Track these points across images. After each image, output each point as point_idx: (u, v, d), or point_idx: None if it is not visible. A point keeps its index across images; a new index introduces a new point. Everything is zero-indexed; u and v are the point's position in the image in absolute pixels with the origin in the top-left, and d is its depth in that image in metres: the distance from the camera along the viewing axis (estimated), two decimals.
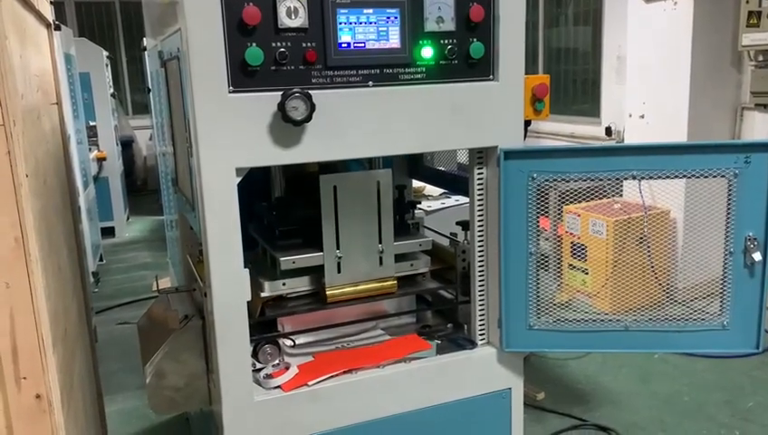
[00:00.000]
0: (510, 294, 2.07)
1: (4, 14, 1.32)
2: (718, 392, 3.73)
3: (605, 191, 2.16)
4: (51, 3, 2.88)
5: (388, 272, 2.22)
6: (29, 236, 1.34)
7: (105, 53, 7.76)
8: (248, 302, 1.85)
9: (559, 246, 4.62)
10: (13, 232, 1.31)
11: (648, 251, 2.33)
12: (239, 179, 1.77)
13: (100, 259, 6.69)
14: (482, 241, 2.13)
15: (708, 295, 2.17)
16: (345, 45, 1.81)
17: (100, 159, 7.47)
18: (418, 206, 2.70)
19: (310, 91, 1.74)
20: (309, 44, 1.78)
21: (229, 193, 1.76)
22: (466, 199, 2.20)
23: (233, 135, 1.73)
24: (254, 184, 1.99)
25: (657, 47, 4.84)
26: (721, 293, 1.99)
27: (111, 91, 8.00)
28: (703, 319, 2.03)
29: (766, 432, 3.35)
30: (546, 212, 2.04)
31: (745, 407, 3.58)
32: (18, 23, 1.72)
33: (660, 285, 2.26)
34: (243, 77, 1.72)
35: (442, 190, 4.09)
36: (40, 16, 2.40)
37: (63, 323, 1.82)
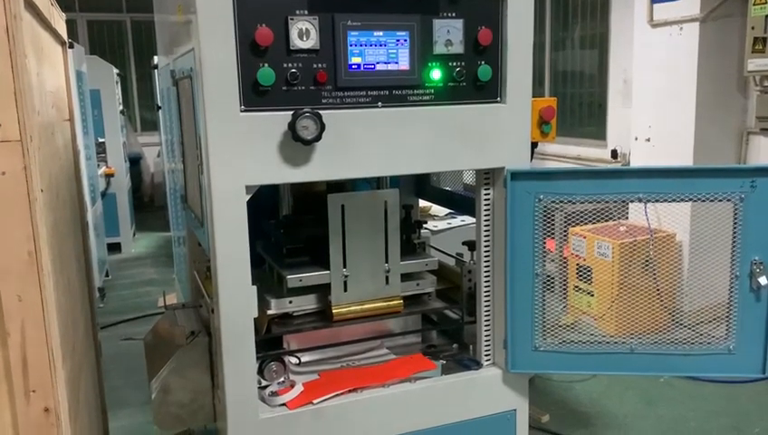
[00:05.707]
0: (516, 314, 2.08)
1: (24, 34, 1.35)
2: (724, 418, 3.70)
3: (611, 213, 2.17)
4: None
5: (395, 291, 2.23)
6: (42, 250, 1.35)
7: (115, 71, 7.85)
8: (255, 319, 1.87)
9: (564, 267, 4.61)
10: (27, 245, 1.33)
11: (654, 274, 2.33)
12: (249, 197, 1.79)
13: (106, 275, 6.71)
14: (488, 261, 2.14)
15: (714, 319, 2.16)
16: (355, 67, 1.84)
17: (109, 176, 7.52)
18: (425, 225, 2.72)
19: (320, 111, 1.76)
20: (320, 65, 1.81)
21: (239, 210, 1.78)
22: (472, 219, 2.22)
23: (243, 153, 1.76)
24: (262, 202, 2.01)
25: (664, 71, 4.87)
26: (727, 317, 1.99)
27: (121, 107, 8.08)
28: (709, 343, 2.03)
29: None
30: (552, 233, 2.05)
31: (752, 433, 3.55)
32: (36, 41, 1.75)
33: (666, 308, 2.26)
34: (254, 96, 1.75)
35: (448, 210, 4.10)
36: (56, 35, 2.45)
37: (72, 337, 1.83)
